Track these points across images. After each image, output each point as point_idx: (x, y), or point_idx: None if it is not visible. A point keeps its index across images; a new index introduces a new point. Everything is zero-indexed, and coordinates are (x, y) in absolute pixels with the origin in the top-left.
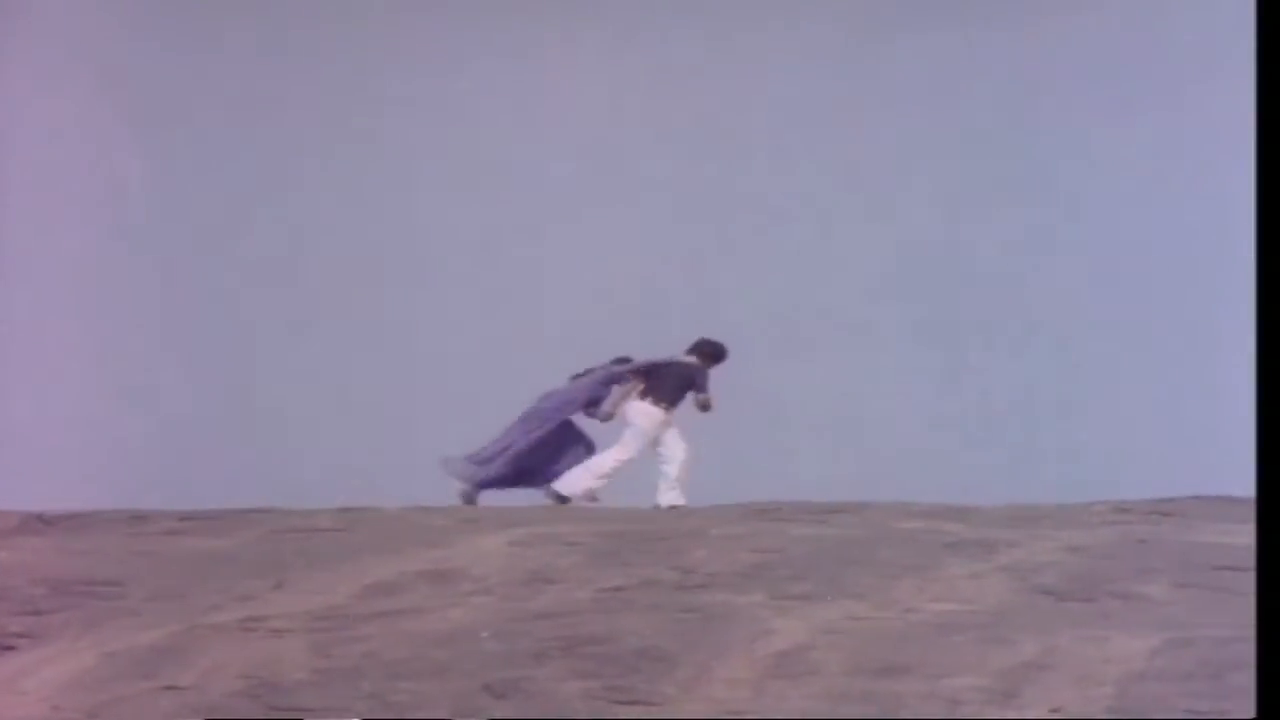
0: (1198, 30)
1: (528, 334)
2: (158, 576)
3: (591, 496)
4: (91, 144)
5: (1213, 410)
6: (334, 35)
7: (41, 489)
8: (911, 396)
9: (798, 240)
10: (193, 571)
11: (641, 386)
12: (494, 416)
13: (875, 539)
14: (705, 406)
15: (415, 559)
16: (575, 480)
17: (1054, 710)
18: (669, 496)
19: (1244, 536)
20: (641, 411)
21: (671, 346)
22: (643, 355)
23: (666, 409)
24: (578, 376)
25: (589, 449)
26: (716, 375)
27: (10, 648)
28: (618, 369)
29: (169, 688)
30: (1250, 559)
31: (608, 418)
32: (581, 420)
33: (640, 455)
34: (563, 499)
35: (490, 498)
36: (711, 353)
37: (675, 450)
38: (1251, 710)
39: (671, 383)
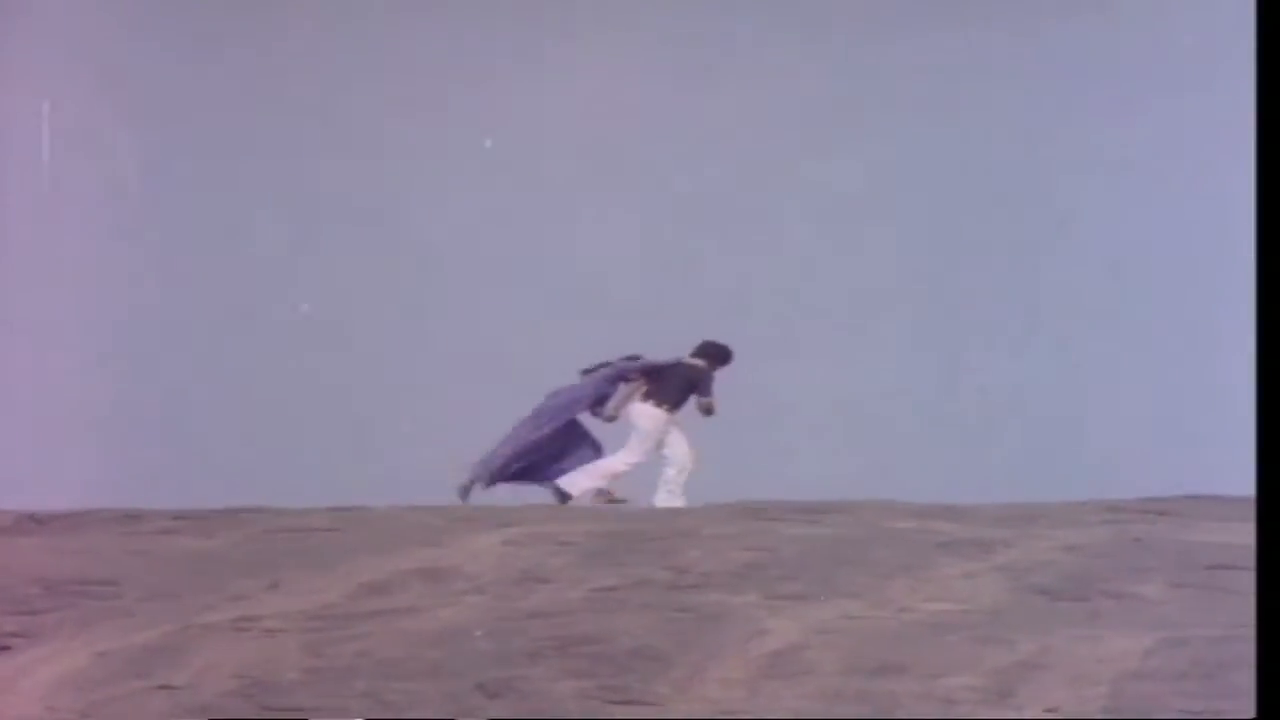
0: (1198, 30)
1: (526, 334)
2: (151, 576)
3: (609, 497)
4: (91, 144)
5: (1208, 409)
6: (334, 35)
7: (34, 488)
8: (910, 396)
9: (797, 240)
10: (186, 571)
11: (645, 388)
12: (491, 417)
13: (869, 538)
14: (708, 410)
15: (408, 558)
16: (581, 480)
17: (1049, 710)
18: (668, 499)
19: (1240, 536)
20: (644, 413)
21: (671, 346)
22: (643, 355)
23: (669, 411)
24: (588, 371)
25: (596, 450)
26: (717, 376)
27: (4, 647)
28: (625, 365)
29: (163, 687)
30: (1246, 558)
31: (611, 418)
32: (588, 421)
33: (648, 458)
34: (565, 497)
35: (484, 496)
36: (717, 355)
37: (678, 453)
38: (1248, 710)
39: (675, 385)
